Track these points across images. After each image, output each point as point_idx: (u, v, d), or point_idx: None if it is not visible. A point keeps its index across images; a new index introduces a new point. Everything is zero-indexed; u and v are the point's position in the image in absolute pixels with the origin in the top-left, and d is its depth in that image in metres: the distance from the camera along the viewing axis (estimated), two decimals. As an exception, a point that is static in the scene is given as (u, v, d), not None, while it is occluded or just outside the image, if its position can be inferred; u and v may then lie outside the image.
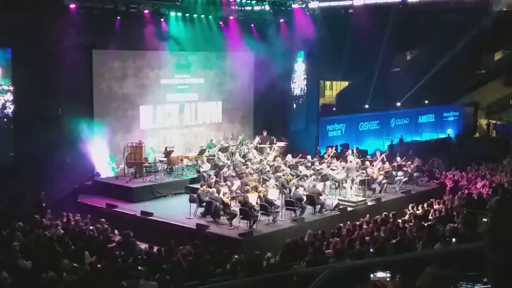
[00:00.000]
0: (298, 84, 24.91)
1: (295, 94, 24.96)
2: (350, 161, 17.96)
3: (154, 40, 19.88)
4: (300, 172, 18.69)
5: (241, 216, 15.07)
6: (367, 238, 13.12)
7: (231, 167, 18.49)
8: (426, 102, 34.25)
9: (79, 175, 18.45)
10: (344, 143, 25.90)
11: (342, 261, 9.89)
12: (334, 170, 18.58)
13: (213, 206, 15.46)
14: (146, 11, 19.63)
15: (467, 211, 15.18)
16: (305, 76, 24.96)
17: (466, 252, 3.17)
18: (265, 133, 22.38)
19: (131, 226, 14.56)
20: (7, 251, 11.82)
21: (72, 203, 17.15)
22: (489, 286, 2.14)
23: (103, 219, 14.65)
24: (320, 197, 16.48)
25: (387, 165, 19.20)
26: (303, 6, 23.32)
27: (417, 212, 15.79)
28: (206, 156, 19.64)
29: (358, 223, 14.70)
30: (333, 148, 22.25)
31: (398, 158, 20.52)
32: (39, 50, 17.15)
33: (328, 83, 39.90)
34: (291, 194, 16.13)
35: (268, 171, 18.43)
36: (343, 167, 18.33)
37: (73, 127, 17.90)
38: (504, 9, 35.76)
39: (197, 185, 17.75)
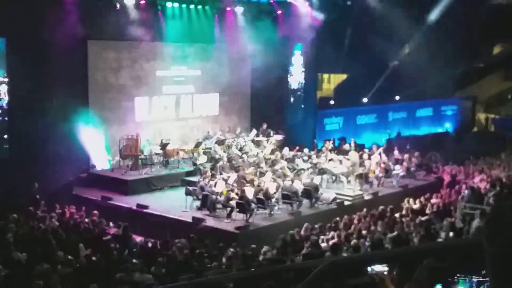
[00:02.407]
0: (296, 76, 24.79)
1: (292, 87, 24.83)
2: (353, 156, 17.95)
3: (150, 31, 19.71)
4: (297, 165, 18.61)
5: (237, 209, 15.00)
6: (364, 232, 13.08)
7: (227, 160, 18.40)
8: (424, 95, 34.18)
9: (74, 167, 18.31)
10: (341, 136, 25.82)
11: (339, 255, 9.82)
12: (331, 163, 18.52)
13: (209, 199, 15.38)
14: (142, 2, 19.44)
15: (465, 206, 15.15)
16: (303, 69, 24.83)
17: (463, 245, 3.10)
18: (264, 126, 22.22)
19: (126, 219, 14.46)
20: (1, 243, 11.73)
21: (67, 195, 17.04)
22: (487, 278, 2.10)
23: (95, 212, 14.56)
24: (317, 191, 16.42)
25: (384, 158, 19.14)
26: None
27: (414, 206, 15.74)
28: (202, 149, 19.54)
29: (355, 217, 14.65)
30: (331, 141, 22.16)
31: (396, 152, 20.44)
32: (34, 40, 16.98)
33: (326, 76, 39.73)
34: (288, 187, 16.04)
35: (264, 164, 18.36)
36: (341, 161, 18.27)
37: (68, 119, 17.74)
38: (504, 3, 35.63)
39: (193, 178, 17.66)
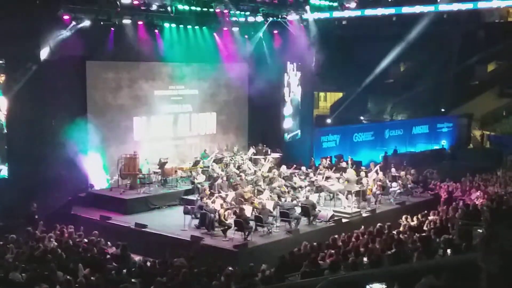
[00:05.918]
0: (293, 95, 24.93)
1: (289, 105, 24.96)
2: (350, 173, 18.02)
3: (148, 51, 19.87)
4: (295, 183, 18.68)
5: (235, 227, 15.02)
6: (362, 249, 13.09)
7: (225, 179, 18.47)
8: (421, 113, 34.41)
9: (72, 186, 18.32)
10: (338, 154, 25.92)
11: (337, 272, 9.85)
12: (328, 181, 18.59)
13: (208, 218, 15.40)
14: (140, 22, 19.62)
15: (462, 222, 15.18)
16: (300, 87, 24.99)
17: (460, 263, 3.16)
18: (260, 146, 22.32)
19: (125, 238, 14.47)
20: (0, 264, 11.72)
21: (65, 215, 17.04)
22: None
23: (96, 232, 14.57)
24: (315, 209, 16.46)
25: (381, 175, 19.22)
26: (297, 17, 23.40)
27: (412, 223, 15.77)
28: (200, 168, 19.61)
29: (353, 234, 14.66)
30: (328, 159, 22.24)
31: (393, 169, 20.53)
32: (33, 61, 17.11)
33: (322, 94, 40.02)
34: (285, 205, 16.09)
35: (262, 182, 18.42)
36: (338, 178, 18.34)
37: (67, 139, 17.81)
38: (497, 21, 36.06)
39: (191, 197, 17.69)
